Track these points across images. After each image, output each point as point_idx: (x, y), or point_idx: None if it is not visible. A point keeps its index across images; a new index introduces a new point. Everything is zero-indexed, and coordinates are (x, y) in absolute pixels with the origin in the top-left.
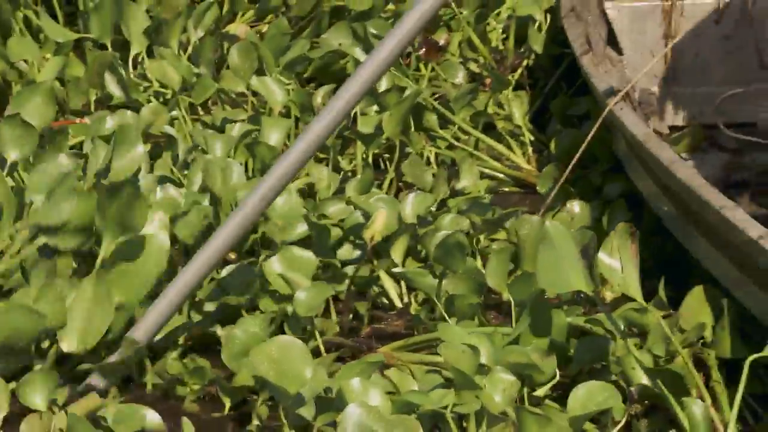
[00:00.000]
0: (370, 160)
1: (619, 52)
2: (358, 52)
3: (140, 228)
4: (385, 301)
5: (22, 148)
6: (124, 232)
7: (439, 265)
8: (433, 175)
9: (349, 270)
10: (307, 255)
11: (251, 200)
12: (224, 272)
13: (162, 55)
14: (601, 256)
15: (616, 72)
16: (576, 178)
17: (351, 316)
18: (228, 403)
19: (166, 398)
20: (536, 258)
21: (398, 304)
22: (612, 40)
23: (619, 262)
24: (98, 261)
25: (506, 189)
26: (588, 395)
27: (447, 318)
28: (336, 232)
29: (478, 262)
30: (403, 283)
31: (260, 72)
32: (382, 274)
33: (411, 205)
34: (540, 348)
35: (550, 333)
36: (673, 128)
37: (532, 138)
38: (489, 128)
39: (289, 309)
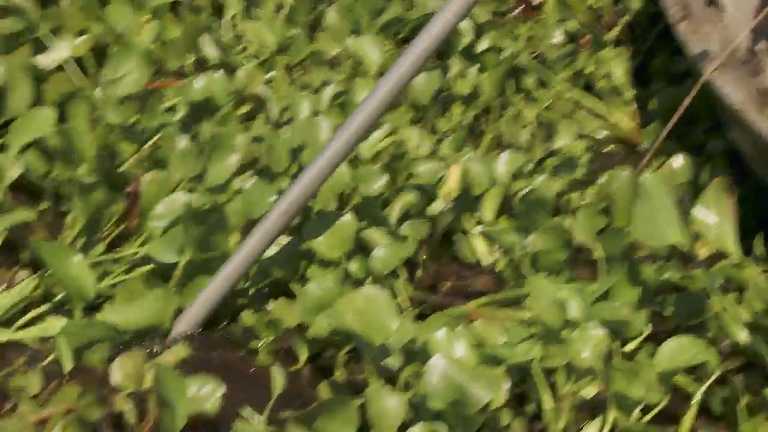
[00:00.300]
0: (467, 122)
1: (721, 9)
2: None
3: (221, 251)
4: (468, 259)
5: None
6: (204, 252)
7: (523, 222)
8: (531, 134)
9: (431, 228)
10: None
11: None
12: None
13: (258, 17)
14: (697, 210)
15: (716, 33)
16: (679, 135)
17: (432, 274)
18: (304, 356)
19: (238, 349)
20: (628, 213)
21: (482, 262)
22: None
23: (716, 216)
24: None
25: (608, 149)
26: (677, 350)
27: (530, 274)
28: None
29: (568, 221)
30: (486, 242)
31: (356, 33)
32: (470, 232)
33: (504, 164)
34: (631, 303)
35: (642, 288)
36: None
37: (633, 96)
38: (588, 88)
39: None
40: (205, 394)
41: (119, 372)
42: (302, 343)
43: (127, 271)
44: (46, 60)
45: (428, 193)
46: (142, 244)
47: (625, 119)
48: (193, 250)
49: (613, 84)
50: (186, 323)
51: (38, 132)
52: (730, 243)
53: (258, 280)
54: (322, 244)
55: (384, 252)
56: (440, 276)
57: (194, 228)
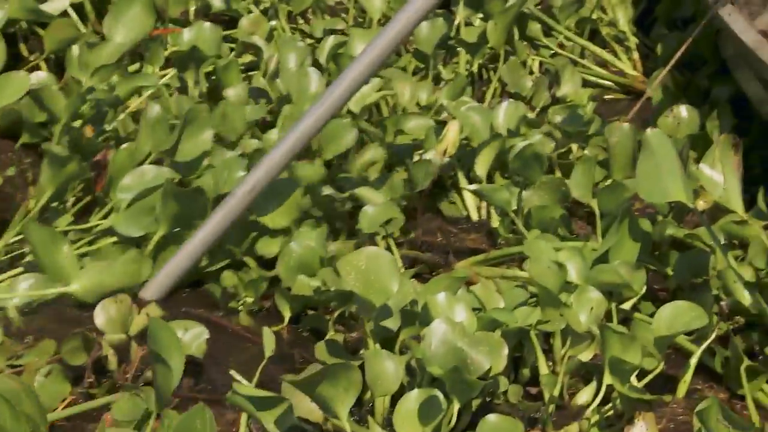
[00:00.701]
0: (474, 69)
1: None
2: None
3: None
4: (461, 215)
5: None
6: (180, 227)
7: (518, 177)
8: (533, 82)
9: (424, 183)
10: None
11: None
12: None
13: None
14: (702, 167)
15: None
16: (686, 82)
17: (423, 231)
18: (287, 315)
19: (216, 309)
20: (627, 167)
21: (474, 217)
22: None
23: (721, 173)
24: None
25: (612, 96)
26: (674, 315)
27: (526, 232)
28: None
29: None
30: (477, 199)
31: None
32: (462, 189)
33: (503, 114)
34: (629, 262)
35: (642, 245)
36: None
37: (638, 43)
38: (593, 35)
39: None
40: (191, 338)
41: (103, 316)
42: (286, 302)
43: (91, 242)
44: (49, 7)
45: (417, 149)
46: (105, 216)
47: (629, 66)
48: (167, 226)
49: (617, 30)
50: (151, 291)
51: (11, 98)
52: (735, 201)
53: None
54: (268, 218)
55: (372, 210)
56: (431, 233)
57: (171, 204)
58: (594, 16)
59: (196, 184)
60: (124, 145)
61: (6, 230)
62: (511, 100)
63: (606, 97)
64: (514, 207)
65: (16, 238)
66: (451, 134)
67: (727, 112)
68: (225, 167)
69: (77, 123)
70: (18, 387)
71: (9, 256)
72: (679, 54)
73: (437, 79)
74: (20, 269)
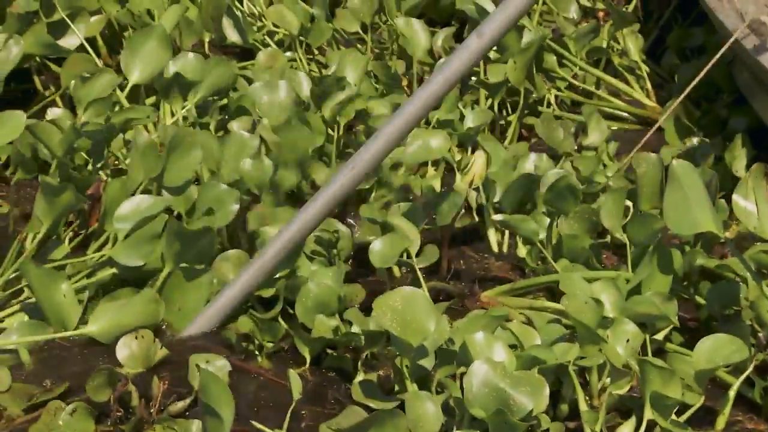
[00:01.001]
0: (495, 107)
1: None
2: None
3: (205, 264)
4: (486, 245)
5: None
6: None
7: (550, 207)
8: (562, 130)
9: (449, 216)
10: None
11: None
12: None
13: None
14: (736, 197)
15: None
16: (701, 114)
17: (448, 259)
18: (308, 356)
19: (234, 353)
20: (655, 197)
21: (496, 249)
22: None
23: (754, 203)
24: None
25: (627, 127)
26: (714, 348)
27: (554, 263)
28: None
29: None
30: (501, 231)
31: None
32: (488, 219)
33: (531, 163)
34: (663, 293)
35: (674, 276)
36: None
37: (651, 72)
38: (606, 64)
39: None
40: (214, 371)
41: (125, 351)
42: (305, 343)
43: (89, 275)
44: (65, 42)
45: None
46: (101, 247)
47: (644, 96)
48: (172, 263)
49: (630, 60)
50: (200, 326)
51: (7, 137)
52: None
53: None
54: None
55: (380, 245)
56: (456, 261)
57: (176, 244)
58: (606, 46)
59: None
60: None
61: (3, 265)
62: (539, 153)
63: (624, 128)
64: (542, 237)
65: (14, 275)
66: (478, 166)
67: (745, 143)
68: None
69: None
70: None
71: (9, 291)
72: (694, 83)
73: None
74: (17, 307)
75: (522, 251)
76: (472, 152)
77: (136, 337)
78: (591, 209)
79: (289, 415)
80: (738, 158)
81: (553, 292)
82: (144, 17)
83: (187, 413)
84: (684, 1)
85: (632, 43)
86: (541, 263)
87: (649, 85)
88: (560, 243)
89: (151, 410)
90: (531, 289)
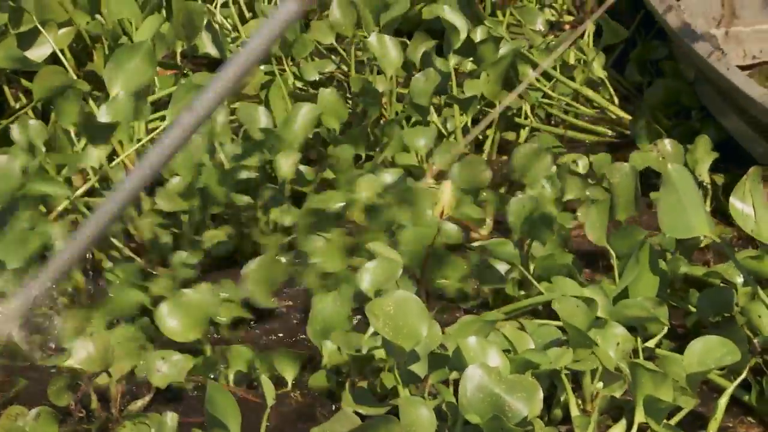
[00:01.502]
0: (468, 122)
1: None
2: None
3: None
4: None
5: None
6: None
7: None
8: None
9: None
10: None
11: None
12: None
13: (262, 11)
14: (733, 200)
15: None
16: (673, 124)
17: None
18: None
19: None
20: (631, 206)
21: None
22: None
23: (752, 206)
24: None
25: (602, 138)
26: (705, 350)
27: (536, 282)
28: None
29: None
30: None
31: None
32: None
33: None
34: (653, 299)
35: (660, 282)
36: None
37: (618, 84)
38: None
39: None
40: (170, 366)
41: (82, 353)
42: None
43: None
44: (33, 54)
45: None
46: None
47: (616, 108)
48: None
49: (597, 71)
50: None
51: None
52: None
53: None
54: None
55: (370, 272)
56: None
57: None
58: (573, 57)
59: None
60: None
61: None
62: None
63: (598, 139)
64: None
65: None
66: (446, 196)
67: (709, 148)
68: None
69: None
70: None
71: None
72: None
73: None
74: None
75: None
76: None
77: (92, 340)
78: (565, 228)
79: (265, 419)
80: (701, 162)
81: (539, 315)
82: (116, 29)
83: (146, 412)
84: (647, 18)
85: (600, 55)
86: (520, 288)
87: (616, 99)
88: (541, 263)
89: (112, 410)
90: (516, 314)
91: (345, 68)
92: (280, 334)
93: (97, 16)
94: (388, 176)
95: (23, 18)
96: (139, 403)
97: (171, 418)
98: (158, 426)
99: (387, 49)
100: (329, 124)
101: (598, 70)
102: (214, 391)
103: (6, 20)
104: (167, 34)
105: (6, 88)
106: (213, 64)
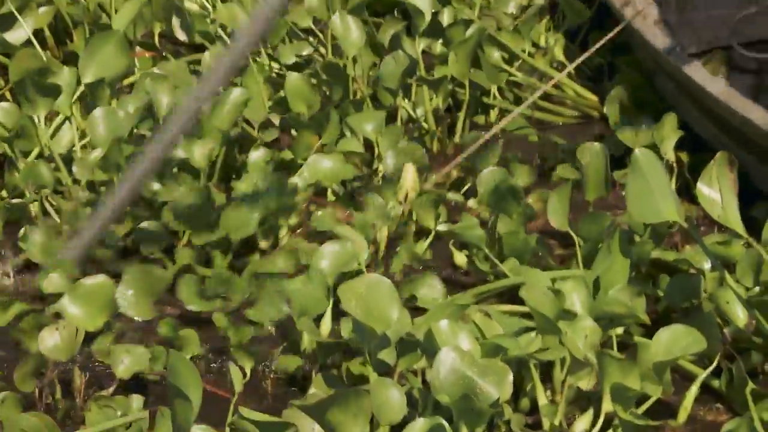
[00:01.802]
0: (440, 103)
1: None
2: None
3: None
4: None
5: None
6: None
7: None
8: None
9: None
10: None
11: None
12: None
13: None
14: (700, 186)
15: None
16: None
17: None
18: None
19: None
20: (601, 187)
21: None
22: None
23: (719, 192)
24: None
25: (570, 120)
26: (672, 340)
27: (500, 264)
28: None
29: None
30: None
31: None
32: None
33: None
34: (625, 288)
35: (633, 271)
36: (690, 56)
37: (586, 66)
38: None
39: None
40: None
41: (50, 342)
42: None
43: None
44: (11, 37)
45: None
46: None
47: (585, 91)
48: None
49: (559, 55)
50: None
51: None
52: (734, 219)
53: None
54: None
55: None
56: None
57: None
58: (543, 40)
59: None
60: None
61: None
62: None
63: (568, 121)
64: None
65: None
66: (409, 179)
67: (673, 125)
68: None
69: None
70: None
71: None
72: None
73: (403, 120)
74: None
75: (459, 259)
76: None
77: (57, 328)
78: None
79: (232, 407)
80: (667, 139)
81: (503, 298)
82: (96, 11)
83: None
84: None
85: (565, 37)
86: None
87: (584, 78)
88: (502, 243)
89: (76, 400)
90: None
91: (323, 51)
92: None
93: None
94: (327, 162)
95: None
96: (104, 394)
97: (137, 401)
98: (124, 409)
99: (349, 30)
100: (297, 109)
101: (559, 53)
102: (177, 361)
103: None
104: (145, 16)
105: None
106: (194, 46)
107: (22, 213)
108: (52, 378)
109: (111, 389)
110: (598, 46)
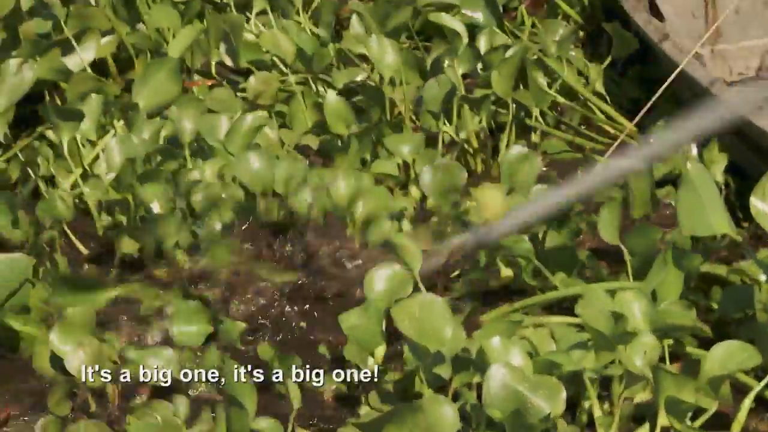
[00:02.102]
0: (484, 123)
1: (661, 18)
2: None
3: None
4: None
5: None
6: None
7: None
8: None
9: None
10: None
11: None
12: None
13: (282, 27)
14: (753, 200)
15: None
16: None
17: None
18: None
19: None
20: (647, 204)
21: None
22: (653, 8)
23: None
24: None
25: (603, 147)
26: (727, 355)
27: (550, 275)
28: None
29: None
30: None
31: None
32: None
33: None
34: (680, 302)
35: (687, 283)
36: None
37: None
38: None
39: None
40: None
41: (78, 360)
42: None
43: None
44: (72, 62)
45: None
46: None
47: (619, 116)
48: None
49: (598, 86)
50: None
51: None
52: None
53: None
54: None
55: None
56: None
57: None
58: (583, 66)
59: None
60: None
61: None
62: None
63: (599, 147)
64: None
65: None
66: (494, 202)
67: (721, 148)
68: None
69: None
70: None
71: None
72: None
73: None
74: None
75: (506, 272)
76: None
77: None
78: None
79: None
80: (715, 162)
81: (552, 311)
82: (158, 39)
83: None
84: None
85: (595, 69)
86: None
87: (623, 102)
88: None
89: (109, 412)
90: (529, 309)
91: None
92: None
93: (140, 24)
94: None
95: (69, 25)
96: (138, 401)
97: (182, 402)
98: (173, 411)
99: (386, 53)
100: (336, 130)
101: (599, 84)
102: (231, 370)
103: (50, 28)
104: (203, 44)
105: (47, 96)
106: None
107: None
108: (84, 395)
109: (144, 396)
110: (659, 93)
